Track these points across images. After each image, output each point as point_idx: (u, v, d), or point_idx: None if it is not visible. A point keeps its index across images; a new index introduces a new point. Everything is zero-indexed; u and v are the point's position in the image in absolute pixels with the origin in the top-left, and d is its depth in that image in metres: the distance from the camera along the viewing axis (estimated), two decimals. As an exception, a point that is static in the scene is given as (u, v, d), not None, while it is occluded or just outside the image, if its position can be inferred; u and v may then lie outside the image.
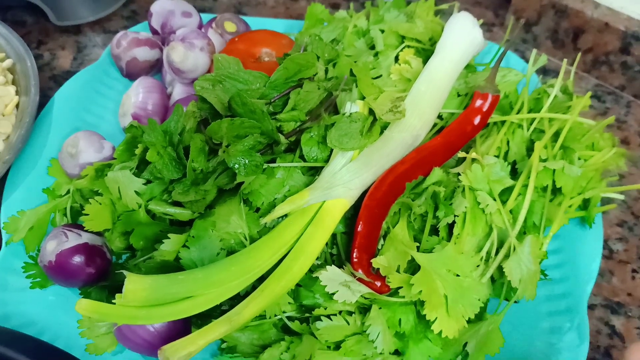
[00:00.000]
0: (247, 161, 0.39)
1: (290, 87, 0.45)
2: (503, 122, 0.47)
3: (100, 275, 0.43)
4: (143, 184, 0.42)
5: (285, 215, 0.41)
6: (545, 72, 0.65)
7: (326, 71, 0.49)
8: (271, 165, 0.43)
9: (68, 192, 0.48)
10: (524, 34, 0.66)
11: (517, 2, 0.65)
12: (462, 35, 0.48)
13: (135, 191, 0.42)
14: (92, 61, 0.64)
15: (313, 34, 0.49)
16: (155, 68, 0.57)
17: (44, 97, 0.53)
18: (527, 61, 0.65)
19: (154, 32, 0.58)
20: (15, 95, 0.53)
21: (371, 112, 0.45)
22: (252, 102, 0.40)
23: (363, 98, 0.46)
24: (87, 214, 0.42)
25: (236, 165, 0.39)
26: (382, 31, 0.54)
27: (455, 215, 0.41)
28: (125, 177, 0.42)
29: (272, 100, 0.45)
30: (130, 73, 0.56)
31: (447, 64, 0.47)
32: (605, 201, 0.49)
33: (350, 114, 0.44)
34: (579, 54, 0.54)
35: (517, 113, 0.47)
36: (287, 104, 0.46)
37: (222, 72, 0.46)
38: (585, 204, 0.46)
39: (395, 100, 0.45)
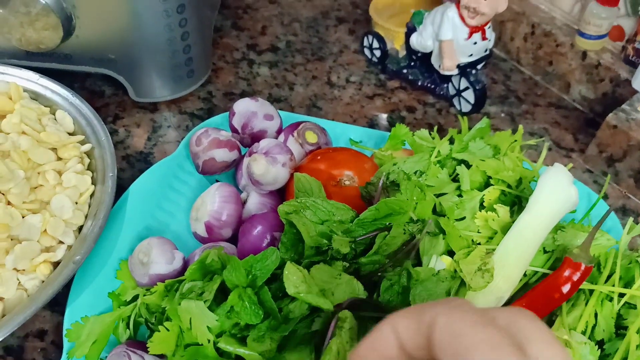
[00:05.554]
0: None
1: (378, 229, 0.44)
2: (591, 291, 0.45)
3: (158, 403, 0.42)
4: (216, 319, 0.41)
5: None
6: (625, 211, 0.62)
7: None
8: (347, 313, 0.42)
9: (133, 298, 0.47)
10: (605, 167, 0.64)
11: (603, 135, 0.63)
12: (557, 193, 0.46)
13: (208, 326, 0.41)
14: (165, 143, 0.64)
15: (401, 170, 0.48)
16: (230, 167, 0.56)
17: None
18: (607, 197, 0.63)
19: (234, 130, 0.58)
20: (92, 185, 0.53)
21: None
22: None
23: (449, 248, 0.45)
24: (153, 342, 0.41)
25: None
26: (465, 162, 0.52)
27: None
28: (199, 309, 0.41)
29: (357, 239, 0.44)
30: (206, 171, 0.55)
31: (539, 223, 0.45)
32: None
33: (438, 272, 0.42)
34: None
35: (606, 281, 0.45)
36: (369, 243, 0.45)
37: (305, 200, 0.46)
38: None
39: (485, 256, 0.43)
